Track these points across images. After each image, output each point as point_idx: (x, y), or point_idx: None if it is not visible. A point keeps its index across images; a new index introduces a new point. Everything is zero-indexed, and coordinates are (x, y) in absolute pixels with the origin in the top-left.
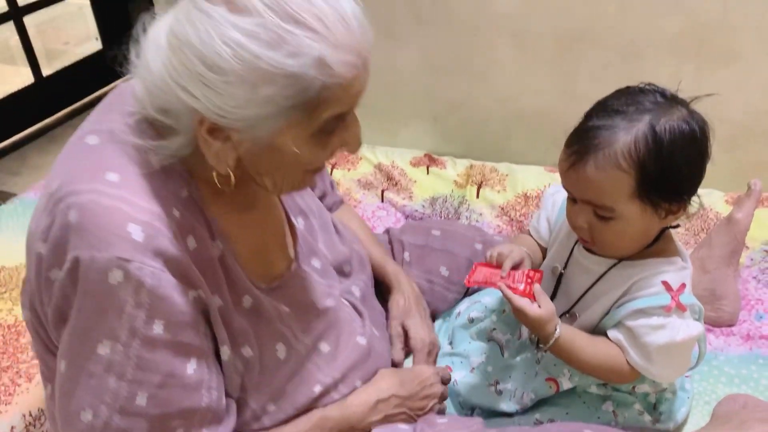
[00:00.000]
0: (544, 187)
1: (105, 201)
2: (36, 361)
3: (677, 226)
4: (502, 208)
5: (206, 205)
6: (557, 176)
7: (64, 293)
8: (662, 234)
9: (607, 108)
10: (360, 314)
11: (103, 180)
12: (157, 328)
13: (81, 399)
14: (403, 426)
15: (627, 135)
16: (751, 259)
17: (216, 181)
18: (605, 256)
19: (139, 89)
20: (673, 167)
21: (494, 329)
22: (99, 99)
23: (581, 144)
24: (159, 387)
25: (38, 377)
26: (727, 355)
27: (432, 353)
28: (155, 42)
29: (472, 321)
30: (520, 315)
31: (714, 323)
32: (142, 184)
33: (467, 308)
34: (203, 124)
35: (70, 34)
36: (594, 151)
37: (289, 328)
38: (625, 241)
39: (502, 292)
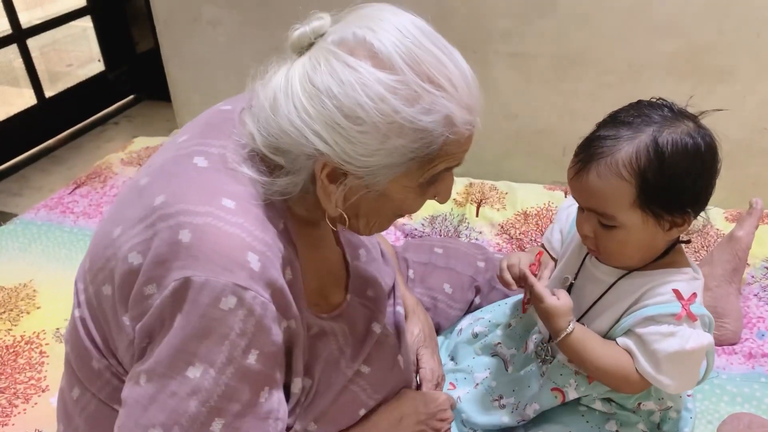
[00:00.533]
0: (544, 205)
1: (224, 226)
2: (33, 382)
3: (689, 241)
4: (502, 226)
5: (295, 239)
6: (557, 194)
7: (162, 311)
8: (673, 247)
9: (615, 119)
10: (399, 335)
11: (220, 205)
12: (251, 358)
13: (154, 416)
14: None
15: (630, 145)
16: (753, 277)
17: (328, 221)
18: (614, 267)
19: (252, 127)
20: (674, 179)
21: (499, 343)
22: (103, 120)
23: (586, 153)
24: (236, 416)
25: (36, 398)
26: (729, 374)
27: (440, 386)
28: (283, 87)
29: (476, 336)
30: (537, 301)
31: (716, 341)
32: (256, 214)
33: (470, 324)
34: (325, 168)
35: (72, 56)
36: (597, 160)
37: (343, 354)
38: (629, 250)
39: (527, 279)
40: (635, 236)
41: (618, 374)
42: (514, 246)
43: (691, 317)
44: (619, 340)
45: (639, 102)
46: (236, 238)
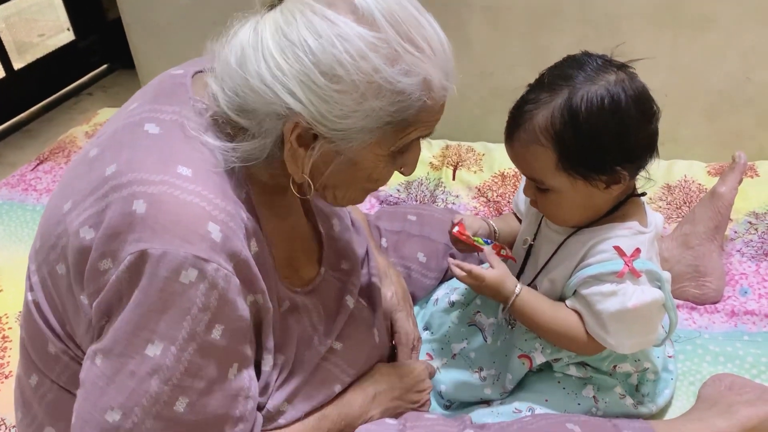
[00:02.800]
0: None
1: (180, 195)
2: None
3: (644, 194)
4: (479, 189)
5: (258, 209)
6: None
7: (119, 286)
8: (626, 201)
9: (540, 81)
10: (374, 308)
11: (175, 173)
12: (216, 333)
13: (112, 398)
14: (390, 421)
15: (546, 109)
16: (735, 232)
17: (291, 187)
18: (561, 226)
19: (216, 88)
20: (592, 139)
21: (478, 312)
22: (76, 91)
23: (511, 119)
24: (201, 394)
25: None
26: (711, 333)
27: (416, 348)
28: (252, 42)
29: (453, 305)
30: (479, 281)
31: (698, 301)
32: (216, 182)
33: (446, 293)
34: (295, 130)
35: (40, 25)
36: (519, 127)
37: (317, 331)
38: (565, 211)
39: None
40: (568, 198)
41: (567, 335)
42: (491, 209)
43: (635, 273)
44: (568, 302)
45: (565, 60)
46: (195, 207)
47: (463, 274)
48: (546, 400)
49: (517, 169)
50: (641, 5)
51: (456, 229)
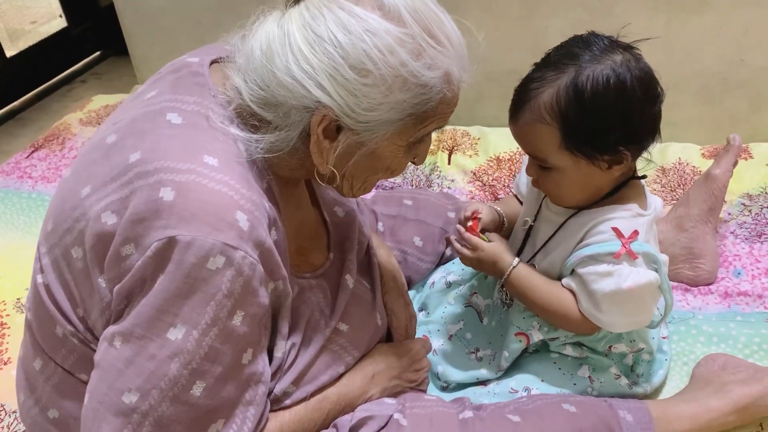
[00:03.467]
0: (517, 149)
1: (209, 184)
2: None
3: (644, 177)
4: (474, 173)
5: (278, 199)
6: None
7: (143, 272)
8: (626, 183)
9: (547, 60)
10: (375, 290)
11: (202, 162)
12: (237, 320)
13: (130, 380)
14: (389, 400)
15: (552, 88)
16: (729, 214)
17: (317, 177)
18: (563, 207)
19: (239, 81)
20: (598, 119)
21: (475, 293)
22: (70, 78)
23: (517, 97)
24: (218, 379)
25: None
26: (705, 314)
27: (410, 327)
28: (279, 37)
29: (449, 285)
30: (477, 251)
31: (692, 282)
32: (240, 172)
33: (442, 276)
34: (322, 122)
35: (33, 12)
36: (524, 104)
37: (323, 313)
38: (568, 190)
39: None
40: (571, 177)
41: (560, 312)
42: (487, 193)
43: (632, 255)
44: (564, 280)
45: (572, 39)
46: (224, 195)
47: (462, 247)
48: (542, 381)
49: (512, 153)
50: None
51: (470, 223)
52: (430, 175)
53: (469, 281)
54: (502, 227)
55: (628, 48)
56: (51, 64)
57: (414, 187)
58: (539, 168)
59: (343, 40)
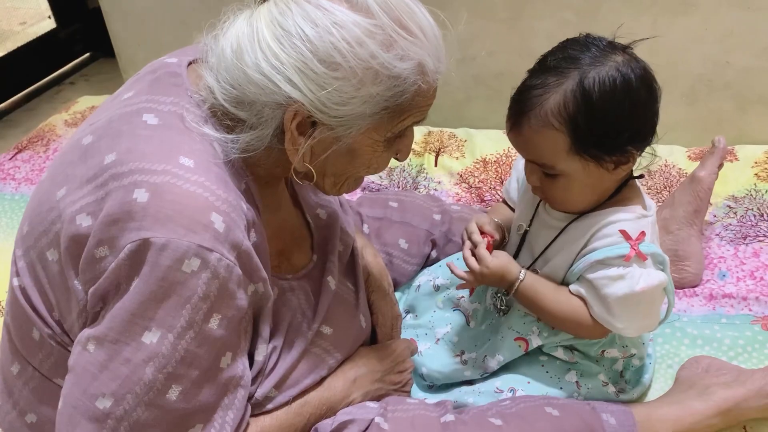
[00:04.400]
0: (503, 151)
1: (184, 185)
2: None
3: (641, 176)
4: (461, 175)
5: (257, 200)
6: None
7: (117, 274)
8: (625, 184)
9: (543, 65)
10: (358, 291)
11: (177, 163)
12: (213, 323)
13: (104, 384)
14: (371, 404)
15: (557, 93)
16: (714, 216)
17: (294, 176)
18: (566, 212)
19: (211, 81)
20: (606, 120)
21: (462, 297)
22: (59, 79)
23: (518, 105)
24: (194, 383)
25: None
26: (690, 316)
27: (395, 327)
28: (248, 34)
29: (437, 288)
30: (482, 266)
31: (677, 285)
32: (217, 173)
33: (428, 280)
34: (295, 118)
35: (22, 13)
36: (527, 112)
37: (305, 316)
38: (575, 196)
39: (465, 260)
40: (579, 182)
41: (572, 320)
42: (473, 195)
43: (641, 257)
44: (572, 286)
45: (566, 42)
46: (198, 197)
47: (464, 273)
48: (528, 382)
49: (498, 155)
50: None
51: (483, 243)
52: (416, 177)
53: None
54: (503, 241)
55: (625, 48)
56: (39, 66)
57: (400, 189)
58: (544, 175)
59: (311, 34)
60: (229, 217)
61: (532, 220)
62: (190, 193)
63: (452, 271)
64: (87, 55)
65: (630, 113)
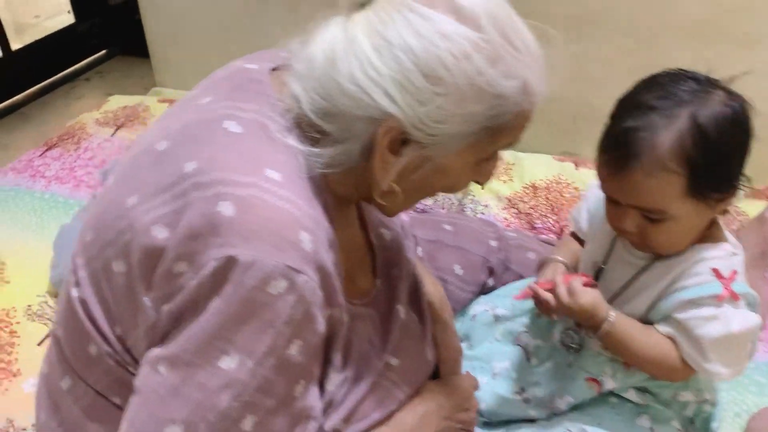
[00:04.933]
0: (554, 177)
1: (272, 200)
2: (3, 366)
3: (726, 211)
4: (509, 200)
5: (333, 218)
6: (567, 166)
7: (197, 292)
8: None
9: (639, 105)
10: (423, 321)
11: (264, 176)
12: (294, 349)
13: (175, 410)
14: None
15: (669, 133)
16: None
17: (377, 196)
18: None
19: (297, 89)
20: (723, 157)
21: (524, 332)
22: (74, 75)
23: (621, 149)
24: (269, 412)
25: (7, 384)
26: (756, 362)
27: (458, 361)
28: (343, 43)
29: (497, 319)
30: (568, 303)
31: None
32: (303, 188)
33: (484, 310)
34: (388, 134)
35: (40, 7)
36: (637, 157)
37: (373, 345)
38: (679, 238)
39: (555, 288)
40: (686, 224)
41: (660, 362)
42: (522, 221)
43: (734, 296)
44: (660, 327)
45: (655, 78)
46: (287, 213)
47: (550, 297)
48: (599, 424)
49: (548, 182)
50: (685, 20)
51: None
52: (462, 199)
53: (520, 318)
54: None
55: (719, 84)
56: (56, 60)
57: (445, 211)
58: (643, 220)
59: (414, 45)
60: (315, 236)
61: (607, 257)
62: (279, 209)
63: (536, 294)
64: (103, 51)
65: (742, 147)
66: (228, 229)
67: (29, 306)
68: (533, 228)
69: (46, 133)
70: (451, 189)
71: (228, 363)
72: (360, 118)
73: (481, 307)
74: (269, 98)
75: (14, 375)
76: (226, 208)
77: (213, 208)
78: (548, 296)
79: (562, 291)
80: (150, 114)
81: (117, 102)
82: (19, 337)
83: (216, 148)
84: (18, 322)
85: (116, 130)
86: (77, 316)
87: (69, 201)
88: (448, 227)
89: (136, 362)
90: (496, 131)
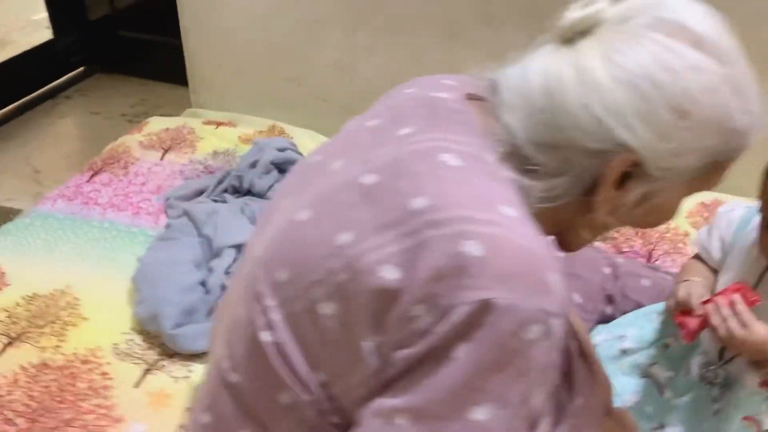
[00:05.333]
0: None
1: (517, 239)
2: (104, 411)
3: None
4: None
5: None
6: None
7: (441, 338)
8: None
9: None
10: (583, 354)
11: (499, 213)
12: (538, 397)
13: None
14: None
15: None
16: None
17: (589, 233)
18: None
19: (512, 120)
20: None
21: (654, 364)
22: (53, 92)
23: None
24: None
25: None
26: None
27: (611, 394)
28: (572, 73)
29: (624, 352)
30: (741, 335)
31: None
32: (533, 224)
33: (607, 340)
34: (619, 167)
35: (17, 23)
36: None
37: (562, 386)
38: None
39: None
40: None
41: None
42: (608, 244)
43: None
44: None
45: None
46: (536, 253)
47: (722, 327)
48: None
49: None
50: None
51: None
52: None
53: (647, 350)
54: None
55: None
56: (33, 77)
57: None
58: None
59: (662, 77)
60: (561, 277)
61: (756, 286)
62: (527, 249)
63: (710, 319)
64: (82, 69)
65: None
66: (479, 271)
67: (115, 344)
68: (621, 252)
69: (30, 151)
70: (654, 224)
71: (480, 414)
72: (586, 151)
73: (603, 337)
74: (476, 129)
75: (116, 421)
76: (474, 248)
77: (457, 248)
78: (723, 329)
79: (734, 325)
80: (196, 136)
81: (157, 124)
82: (112, 379)
83: (442, 183)
84: (108, 363)
85: (164, 153)
86: (268, 363)
87: (131, 229)
88: (560, 254)
89: (339, 411)
90: (718, 167)
